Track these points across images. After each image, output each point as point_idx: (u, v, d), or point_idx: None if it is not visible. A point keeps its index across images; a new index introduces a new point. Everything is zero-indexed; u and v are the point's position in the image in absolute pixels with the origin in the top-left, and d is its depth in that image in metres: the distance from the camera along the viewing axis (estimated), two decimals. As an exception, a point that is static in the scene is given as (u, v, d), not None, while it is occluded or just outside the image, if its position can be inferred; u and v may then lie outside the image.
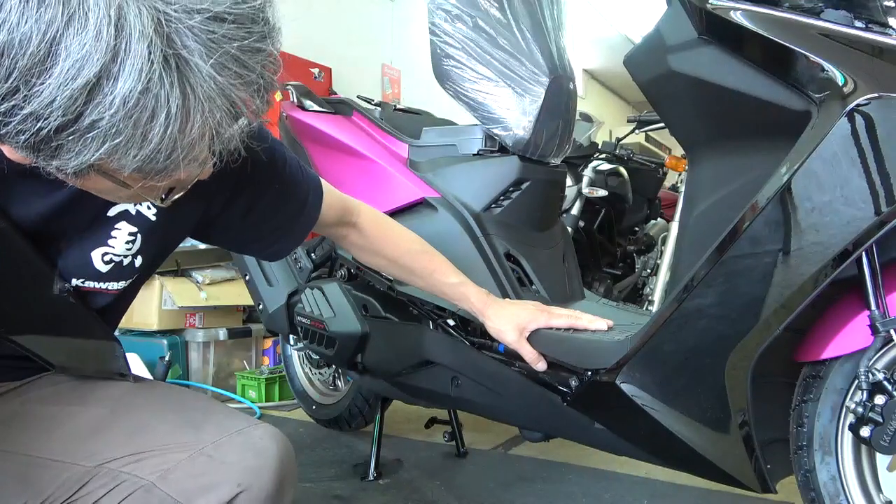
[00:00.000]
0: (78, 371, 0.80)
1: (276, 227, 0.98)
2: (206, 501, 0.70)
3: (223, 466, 0.71)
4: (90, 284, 0.79)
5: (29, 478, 0.74)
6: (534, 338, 1.28)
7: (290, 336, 2.13)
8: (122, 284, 0.82)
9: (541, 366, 1.26)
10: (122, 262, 0.80)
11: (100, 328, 0.78)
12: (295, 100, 1.99)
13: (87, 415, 0.77)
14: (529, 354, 1.26)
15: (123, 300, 0.86)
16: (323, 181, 1.07)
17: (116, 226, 0.79)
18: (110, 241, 0.79)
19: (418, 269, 1.26)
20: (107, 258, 0.79)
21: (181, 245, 3.26)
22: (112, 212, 0.78)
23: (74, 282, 0.78)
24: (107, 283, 0.80)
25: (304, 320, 1.88)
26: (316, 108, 1.95)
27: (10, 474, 0.74)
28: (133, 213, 0.80)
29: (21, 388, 0.81)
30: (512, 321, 1.26)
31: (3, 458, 0.74)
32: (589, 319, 1.28)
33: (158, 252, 0.85)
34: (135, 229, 0.80)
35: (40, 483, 0.73)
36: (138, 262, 0.82)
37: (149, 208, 0.81)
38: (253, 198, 0.92)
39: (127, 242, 0.80)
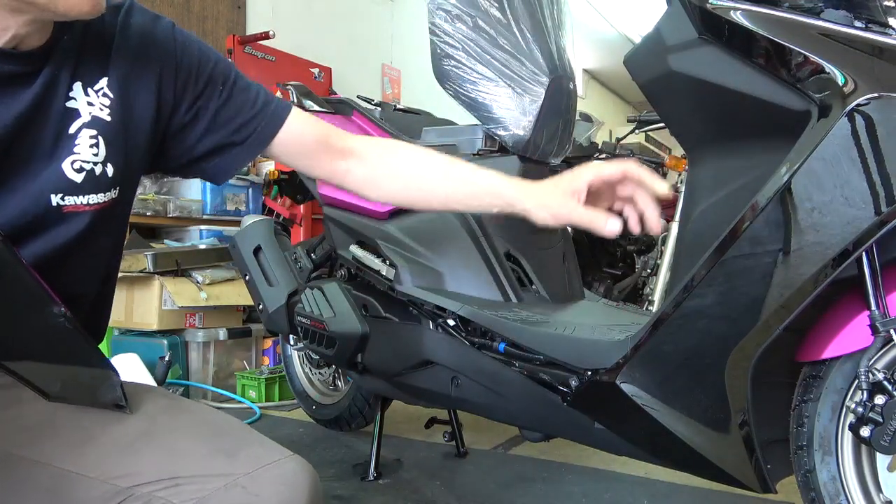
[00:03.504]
0: (73, 401, 0.79)
1: (232, 132, 0.94)
2: None
3: (257, 499, 0.71)
4: (70, 200, 0.80)
5: (59, 492, 0.73)
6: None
7: (290, 336, 2.13)
8: (100, 198, 0.82)
9: (612, 224, 0.91)
10: (93, 170, 0.81)
11: (96, 356, 0.77)
12: (295, 100, 1.99)
13: (122, 431, 0.77)
14: (596, 217, 0.92)
15: (111, 229, 0.87)
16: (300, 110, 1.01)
17: (78, 135, 0.81)
18: (75, 149, 0.80)
19: (439, 176, 1.03)
20: (76, 165, 0.80)
21: (180, 245, 3.23)
22: (73, 128, 0.80)
23: (55, 199, 0.78)
24: (86, 197, 0.81)
25: (304, 320, 1.88)
26: (316, 108, 1.95)
27: (39, 487, 0.73)
28: (88, 118, 0.81)
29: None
30: (557, 191, 0.96)
31: (33, 469, 0.74)
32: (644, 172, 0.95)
33: (125, 159, 0.85)
34: (94, 132, 0.81)
35: (70, 499, 0.72)
36: (110, 170, 0.83)
37: (101, 109, 0.82)
38: (201, 97, 0.92)
39: (91, 147, 0.81)
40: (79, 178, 0.80)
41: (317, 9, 4.82)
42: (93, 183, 0.81)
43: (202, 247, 3.10)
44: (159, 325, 2.84)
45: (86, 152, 0.80)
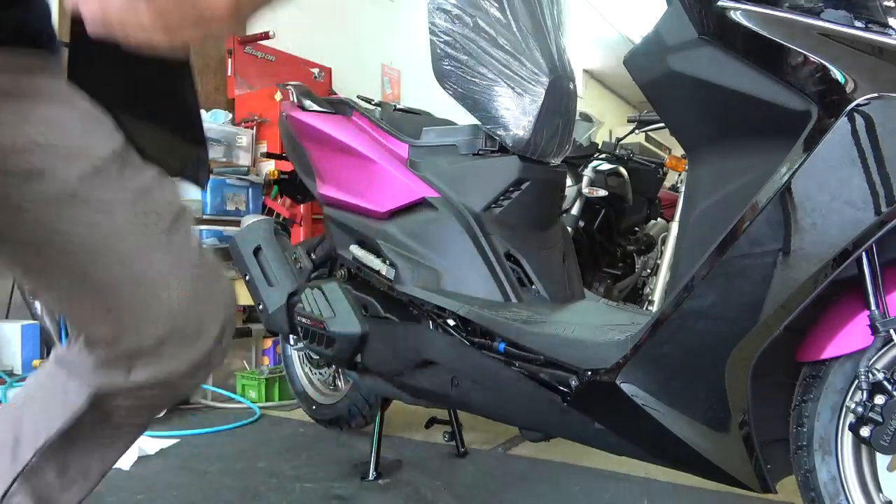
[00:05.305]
0: (164, 165, 0.82)
1: None
2: None
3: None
4: None
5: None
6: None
7: (290, 336, 2.13)
8: None
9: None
10: None
11: (199, 132, 0.82)
12: (295, 100, 2.00)
13: None
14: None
15: None
16: None
17: None
18: None
19: None
20: None
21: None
22: None
23: None
24: None
25: (304, 320, 1.88)
26: (316, 108, 1.95)
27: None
28: None
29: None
30: None
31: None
32: None
33: None
34: None
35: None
36: None
37: None
38: None
39: None
40: None
41: (317, 9, 4.82)
42: None
43: (202, 247, 3.09)
44: (159, 325, 2.83)
45: None
